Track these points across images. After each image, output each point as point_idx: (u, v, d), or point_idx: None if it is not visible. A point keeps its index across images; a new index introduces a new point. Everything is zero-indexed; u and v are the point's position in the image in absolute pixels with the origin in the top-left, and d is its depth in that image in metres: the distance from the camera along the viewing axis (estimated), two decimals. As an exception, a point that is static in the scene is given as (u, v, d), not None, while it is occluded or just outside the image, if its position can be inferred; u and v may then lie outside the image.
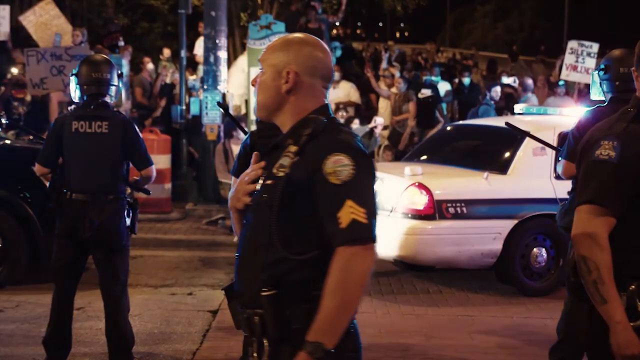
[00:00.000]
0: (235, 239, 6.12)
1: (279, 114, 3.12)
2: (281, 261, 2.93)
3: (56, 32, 14.01)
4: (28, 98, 13.57)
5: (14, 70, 14.53)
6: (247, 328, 3.05)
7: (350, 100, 15.72)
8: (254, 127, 9.40)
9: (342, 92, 15.80)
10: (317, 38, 3.20)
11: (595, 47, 14.88)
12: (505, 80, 15.98)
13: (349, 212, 2.83)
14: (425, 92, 15.69)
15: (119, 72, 6.39)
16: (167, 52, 18.93)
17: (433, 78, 17.45)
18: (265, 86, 3.11)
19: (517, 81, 17.54)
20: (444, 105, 16.89)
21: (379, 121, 14.21)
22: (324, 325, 2.82)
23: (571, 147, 5.99)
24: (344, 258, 2.82)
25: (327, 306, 2.81)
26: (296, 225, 2.93)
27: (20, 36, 16.27)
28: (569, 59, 14.94)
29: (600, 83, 6.06)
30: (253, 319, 3.00)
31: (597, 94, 6.17)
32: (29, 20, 14.25)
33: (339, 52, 19.67)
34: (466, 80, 17.88)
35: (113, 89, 6.29)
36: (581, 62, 14.88)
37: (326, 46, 3.18)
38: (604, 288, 3.35)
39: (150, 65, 17.06)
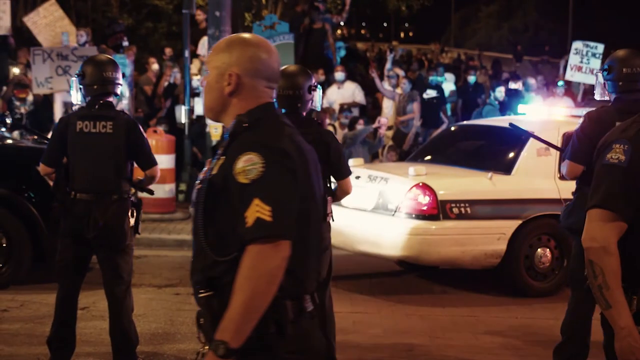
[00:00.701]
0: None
1: (224, 115, 3.14)
2: (214, 264, 2.95)
3: (62, 32, 14.04)
4: (30, 98, 13.60)
5: (16, 70, 14.55)
6: (197, 328, 3.08)
7: (354, 101, 15.70)
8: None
9: (346, 92, 15.78)
10: (262, 38, 3.21)
11: (600, 47, 14.86)
12: (513, 85, 15.95)
13: (255, 210, 2.83)
14: (431, 93, 15.69)
15: (122, 72, 6.40)
16: (168, 51, 18.92)
17: (438, 78, 17.45)
18: (209, 88, 3.14)
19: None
20: (448, 106, 16.89)
21: (382, 121, 14.19)
22: (229, 323, 2.82)
23: (575, 148, 5.99)
24: (249, 256, 2.82)
25: (233, 304, 2.82)
26: (220, 227, 2.95)
27: (24, 37, 16.29)
28: (573, 59, 14.92)
29: (605, 83, 6.06)
30: (199, 319, 3.03)
31: (601, 94, 6.16)
32: (33, 21, 14.27)
33: (343, 52, 19.66)
34: (472, 79, 17.89)
35: (119, 88, 6.30)
36: (586, 62, 14.87)
37: (271, 46, 3.19)
38: (609, 293, 3.35)
39: (155, 66, 17.07)
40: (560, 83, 15.66)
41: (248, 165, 2.88)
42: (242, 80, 3.08)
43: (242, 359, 2.86)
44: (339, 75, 15.90)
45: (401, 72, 16.71)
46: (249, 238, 2.83)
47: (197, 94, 14.76)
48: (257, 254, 2.82)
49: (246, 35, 3.22)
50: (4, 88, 13.99)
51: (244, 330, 2.82)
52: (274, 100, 3.17)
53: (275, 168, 2.89)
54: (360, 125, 14.42)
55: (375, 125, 13.95)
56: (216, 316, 2.90)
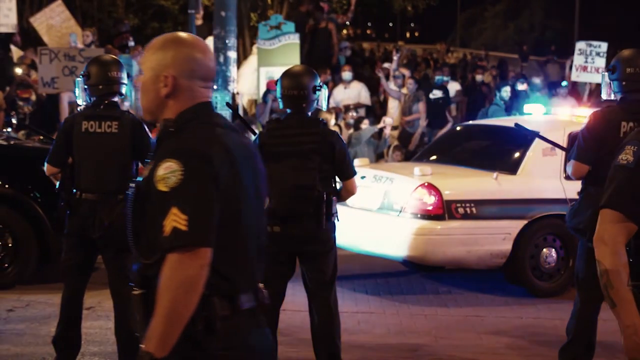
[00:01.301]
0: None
1: (161, 116, 3.13)
2: (146, 264, 2.97)
3: (69, 33, 14.10)
4: (33, 97, 13.64)
5: (18, 71, 14.59)
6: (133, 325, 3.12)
7: (359, 101, 15.69)
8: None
9: (353, 92, 15.77)
10: (197, 37, 3.20)
11: (604, 46, 14.86)
12: (520, 87, 15.93)
13: (172, 219, 2.84)
14: (437, 93, 15.69)
15: (127, 72, 6.40)
16: None
17: (444, 77, 17.44)
18: (145, 89, 3.13)
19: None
20: (453, 105, 16.89)
21: (387, 121, 14.20)
22: (153, 333, 2.85)
23: (581, 148, 5.99)
24: (167, 266, 2.84)
25: (155, 315, 2.85)
26: (147, 231, 2.97)
27: (31, 37, 16.33)
28: (578, 60, 14.93)
29: (610, 83, 6.06)
30: (136, 316, 3.07)
31: (608, 94, 6.16)
32: (40, 22, 14.34)
33: (348, 52, 19.67)
34: (479, 78, 17.89)
35: (124, 88, 6.31)
36: (591, 62, 14.88)
37: (206, 45, 3.18)
38: (613, 292, 3.36)
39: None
40: (564, 83, 15.64)
41: (167, 172, 2.88)
42: (178, 82, 3.07)
43: (173, 357, 2.89)
44: (346, 75, 15.90)
45: (407, 72, 16.70)
46: (166, 247, 2.85)
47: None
48: (174, 264, 2.83)
49: (181, 34, 3.19)
50: (7, 88, 14.03)
51: (167, 340, 2.85)
52: (210, 99, 3.17)
53: (194, 176, 2.89)
54: (365, 125, 14.43)
55: (380, 125, 13.95)
56: (148, 314, 2.92)
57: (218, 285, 2.95)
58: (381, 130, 14.08)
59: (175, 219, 2.83)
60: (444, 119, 15.48)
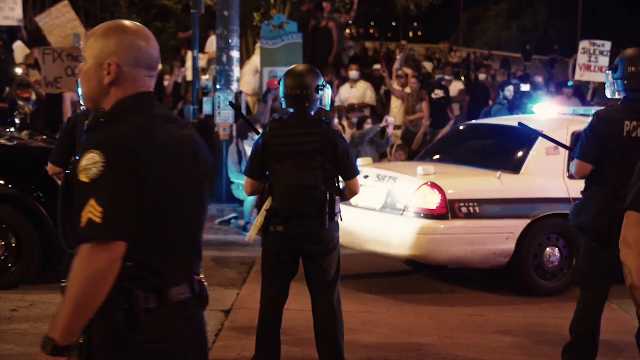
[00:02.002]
0: (248, 238, 6.14)
1: (103, 104, 3.10)
2: (72, 256, 2.96)
3: (73, 33, 14.10)
4: (34, 97, 13.65)
5: (18, 71, 14.61)
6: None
7: (364, 101, 15.68)
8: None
9: (358, 92, 15.76)
10: (140, 25, 3.17)
11: (607, 45, 14.86)
12: (523, 88, 15.93)
13: (88, 211, 2.84)
14: (438, 93, 15.69)
15: None
16: (184, 52, 19.01)
17: (446, 77, 17.43)
18: (87, 77, 3.11)
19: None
20: (457, 105, 16.88)
21: (390, 120, 14.19)
22: (59, 322, 2.86)
23: (584, 147, 5.98)
24: (78, 257, 2.85)
25: (63, 303, 2.86)
26: (74, 222, 2.96)
27: (35, 37, 16.35)
28: (581, 59, 14.92)
29: (614, 82, 6.05)
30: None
31: (612, 93, 6.16)
32: (45, 22, 14.35)
33: (352, 51, 19.66)
34: (482, 77, 17.89)
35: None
36: (594, 61, 14.87)
37: (149, 33, 3.16)
38: (638, 293, 3.35)
39: (159, 66, 17.09)
40: (570, 83, 15.63)
41: (90, 164, 2.87)
42: (122, 69, 3.05)
43: (99, 350, 2.94)
44: (353, 74, 15.89)
45: (410, 72, 16.71)
46: (81, 239, 2.85)
47: (206, 94, 14.78)
48: (85, 255, 2.84)
49: (124, 22, 3.17)
50: (7, 89, 14.05)
51: (72, 330, 2.86)
52: (152, 89, 3.15)
53: (115, 168, 2.87)
54: (368, 125, 14.42)
55: (383, 124, 13.95)
56: None
57: (143, 278, 2.96)
58: (384, 129, 14.07)
59: (91, 211, 2.83)
60: (445, 118, 15.48)
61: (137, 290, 2.95)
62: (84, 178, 2.87)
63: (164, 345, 3.01)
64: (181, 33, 18.21)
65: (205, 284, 3.17)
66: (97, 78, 3.07)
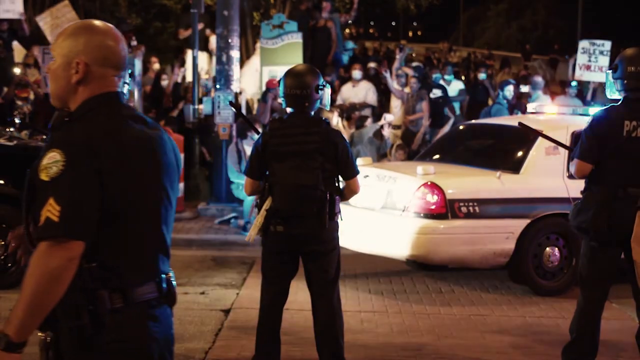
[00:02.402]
0: (247, 238, 6.14)
1: (71, 103, 3.12)
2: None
3: None
4: (32, 97, 13.66)
5: (16, 70, 14.61)
6: None
7: (365, 101, 15.66)
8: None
9: (360, 92, 15.74)
10: (109, 25, 3.18)
11: (607, 44, 14.86)
12: (523, 89, 15.91)
13: (47, 209, 2.85)
14: (436, 92, 15.70)
15: (130, 71, 6.36)
16: (187, 51, 19.00)
17: (447, 77, 17.42)
18: (56, 76, 3.12)
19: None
20: (457, 104, 16.87)
21: (388, 118, 14.20)
22: (14, 318, 2.88)
23: (584, 147, 5.98)
24: (35, 255, 2.86)
25: (19, 300, 2.88)
26: (36, 220, 2.97)
27: (35, 35, 16.34)
28: (581, 58, 14.93)
29: (614, 82, 6.06)
30: None
31: (612, 93, 6.16)
32: (46, 21, 14.37)
33: (350, 52, 19.66)
34: (482, 76, 17.89)
35: (125, 87, 6.25)
36: (594, 61, 14.87)
37: (118, 33, 3.17)
38: None
39: (156, 65, 17.08)
40: (574, 83, 15.62)
41: (50, 162, 2.89)
42: (90, 68, 3.07)
43: (66, 350, 2.98)
44: (356, 73, 15.88)
45: (410, 72, 16.69)
46: (38, 237, 2.87)
47: (206, 93, 14.78)
48: (42, 254, 2.86)
49: (93, 21, 3.18)
50: (5, 89, 14.05)
51: (27, 326, 2.88)
52: (119, 89, 3.17)
53: (75, 167, 2.89)
54: (367, 124, 14.44)
55: (381, 122, 13.96)
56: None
57: (107, 279, 2.98)
58: (382, 127, 14.07)
59: (50, 209, 2.85)
60: (443, 117, 15.49)
61: (101, 290, 2.97)
62: (44, 177, 2.89)
63: (129, 344, 3.03)
64: (182, 30, 18.20)
65: (174, 282, 3.18)
66: (65, 76, 3.09)
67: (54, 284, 2.84)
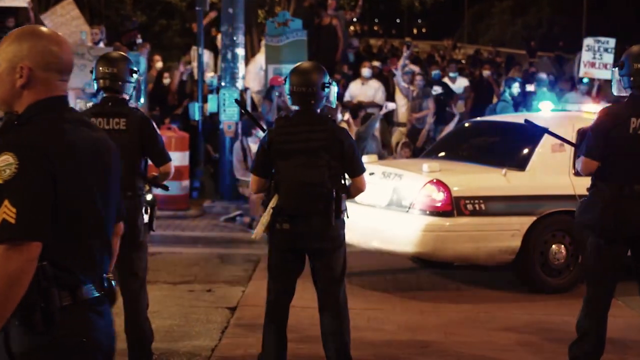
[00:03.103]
0: (254, 236, 6.14)
1: (17, 107, 3.16)
2: None
3: (78, 31, 14.13)
4: None
5: None
6: None
7: (375, 101, 15.65)
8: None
9: (370, 91, 15.71)
10: (52, 30, 3.24)
11: (612, 42, 14.85)
12: (529, 87, 15.89)
13: (2, 212, 2.87)
14: (437, 89, 15.71)
15: (134, 69, 6.32)
16: (194, 49, 19.00)
17: (451, 74, 17.41)
18: (0, 80, 3.16)
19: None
20: (461, 102, 16.87)
21: (390, 106, 14.22)
22: None
23: (590, 144, 5.97)
24: None
25: None
26: None
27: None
28: (586, 56, 14.92)
29: (620, 79, 6.04)
30: None
31: (618, 90, 6.15)
32: (51, 19, 14.39)
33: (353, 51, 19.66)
34: (486, 73, 17.87)
35: (127, 85, 6.23)
36: (599, 58, 14.87)
37: (62, 38, 3.23)
38: None
39: (159, 64, 17.09)
40: (585, 80, 15.58)
41: (3, 165, 2.92)
42: (34, 73, 3.11)
43: (16, 347, 3.01)
44: (366, 71, 15.86)
45: (416, 69, 16.70)
46: None
47: (211, 91, 14.79)
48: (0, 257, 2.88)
49: (38, 27, 3.25)
50: None
51: None
52: (65, 93, 3.22)
53: (29, 169, 2.93)
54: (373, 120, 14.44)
55: (383, 111, 13.98)
56: None
57: (57, 277, 3.02)
58: (386, 117, 14.09)
59: (6, 212, 2.87)
60: (446, 114, 15.50)
61: (52, 288, 3.01)
62: None
63: (78, 340, 3.09)
64: (195, 25, 18.14)
65: (113, 281, 3.27)
66: (9, 81, 3.13)
67: (14, 287, 2.88)
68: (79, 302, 3.08)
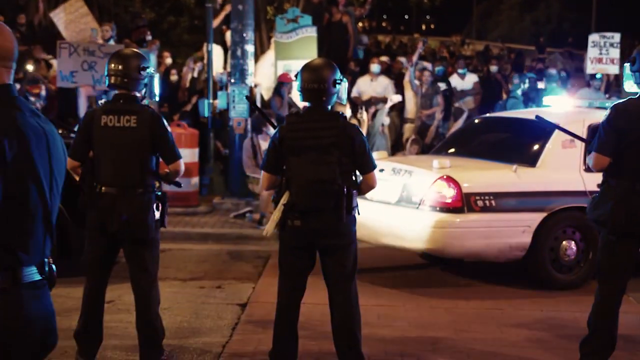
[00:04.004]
0: (265, 232, 6.14)
1: None
2: None
3: (88, 28, 14.17)
4: (43, 92, 13.71)
5: (29, 67, 14.66)
6: None
7: (385, 96, 15.63)
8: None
9: (379, 87, 15.69)
10: None
11: (616, 36, 14.86)
12: (540, 85, 15.87)
13: None
14: (442, 85, 15.71)
15: (145, 65, 6.31)
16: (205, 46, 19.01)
17: (460, 70, 17.39)
18: None
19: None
20: (470, 98, 16.85)
21: (395, 99, 14.21)
22: None
23: (602, 140, 5.96)
24: None
25: None
26: None
27: (50, 32, 16.40)
28: (592, 52, 14.92)
29: (632, 75, 6.02)
30: None
31: (629, 86, 6.13)
32: (59, 17, 14.45)
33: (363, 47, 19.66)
34: (494, 69, 17.85)
35: (137, 82, 6.23)
36: (605, 53, 14.87)
37: (7, 28, 3.28)
38: None
39: (168, 60, 17.09)
40: (599, 75, 15.55)
41: None
42: None
43: None
44: (375, 67, 15.84)
45: (429, 65, 16.69)
46: None
47: (221, 88, 14.79)
48: None
49: None
50: (17, 85, 14.10)
51: None
52: (10, 81, 3.28)
53: None
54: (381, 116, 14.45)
55: (389, 104, 13.97)
56: None
57: (1, 257, 3.10)
58: (391, 108, 14.08)
59: None
60: (451, 110, 15.51)
61: None
62: None
63: (16, 323, 3.15)
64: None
65: (53, 265, 3.34)
66: None
67: None
68: (19, 284, 3.15)
